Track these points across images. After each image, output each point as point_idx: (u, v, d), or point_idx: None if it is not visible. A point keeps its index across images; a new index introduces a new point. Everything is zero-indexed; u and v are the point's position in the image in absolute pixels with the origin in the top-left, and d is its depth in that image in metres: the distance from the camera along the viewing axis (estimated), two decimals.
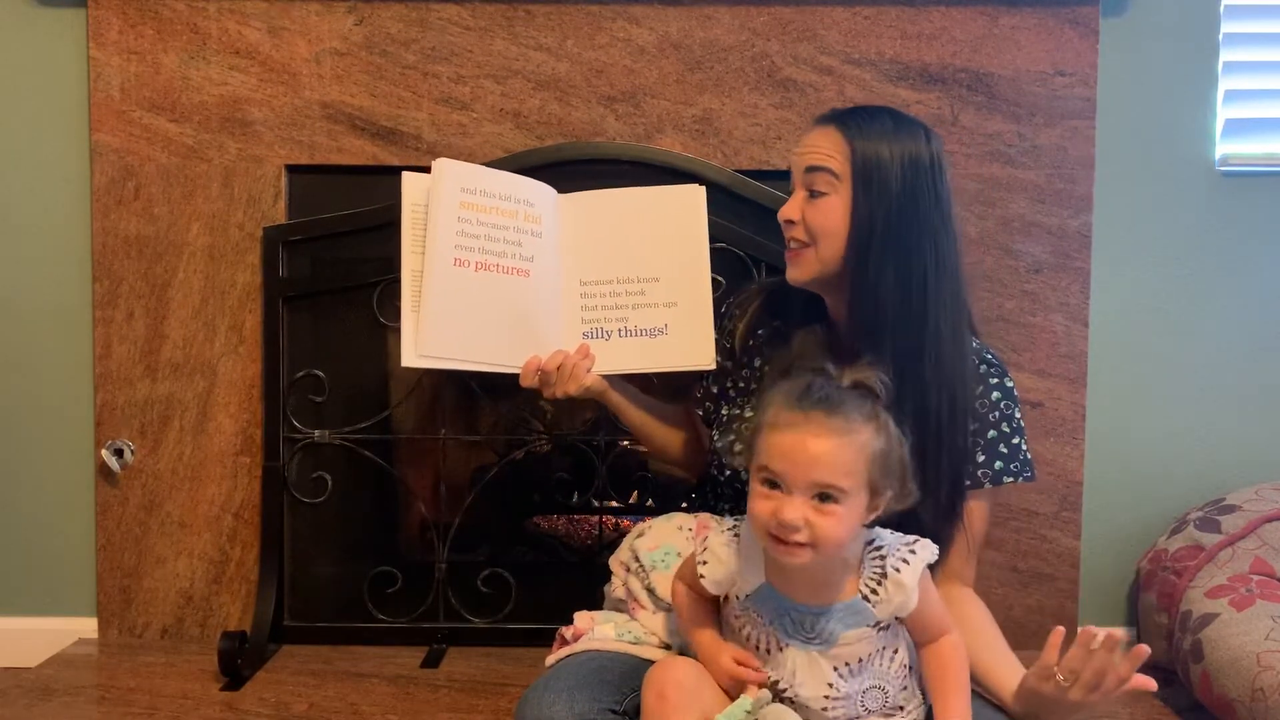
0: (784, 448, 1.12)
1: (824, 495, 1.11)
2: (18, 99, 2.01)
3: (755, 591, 1.21)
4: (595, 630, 1.41)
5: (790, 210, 1.40)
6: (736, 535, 1.23)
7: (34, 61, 1.99)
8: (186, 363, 1.97)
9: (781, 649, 1.20)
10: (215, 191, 1.96)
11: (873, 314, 1.35)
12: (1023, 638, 1.95)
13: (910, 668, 1.25)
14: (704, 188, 1.62)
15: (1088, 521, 2.00)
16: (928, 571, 1.22)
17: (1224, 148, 2.03)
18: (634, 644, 1.39)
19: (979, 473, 1.40)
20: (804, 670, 1.19)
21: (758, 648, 1.22)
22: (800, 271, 1.41)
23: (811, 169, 1.38)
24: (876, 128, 1.37)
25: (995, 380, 1.43)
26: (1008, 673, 1.32)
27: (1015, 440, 1.43)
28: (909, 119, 1.40)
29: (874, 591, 1.18)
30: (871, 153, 1.35)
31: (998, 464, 1.41)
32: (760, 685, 1.20)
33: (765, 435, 1.15)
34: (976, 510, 1.42)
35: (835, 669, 1.19)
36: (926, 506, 1.26)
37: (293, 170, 1.97)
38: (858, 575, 1.19)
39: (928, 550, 1.21)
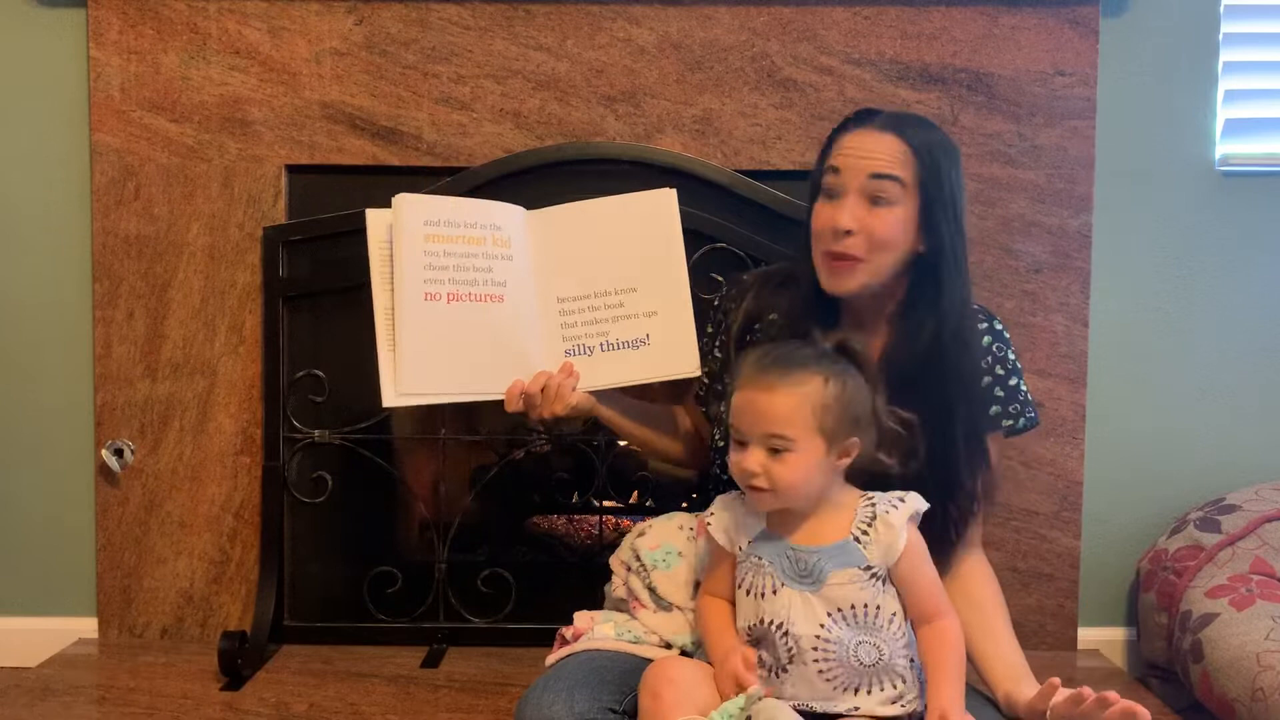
0: (740, 405, 1.25)
1: (775, 446, 1.22)
2: (18, 99, 2.01)
3: (757, 536, 1.27)
4: (595, 630, 1.41)
5: (847, 218, 1.31)
6: (741, 495, 1.32)
7: (34, 61, 1.99)
8: (186, 363, 1.97)
9: (776, 591, 1.24)
10: (215, 191, 1.96)
11: (933, 331, 1.33)
12: (1022, 638, 1.93)
13: (913, 660, 1.25)
14: (674, 190, 1.59)
15: (1088, 521, 2.00)
16: (921, 538, 1.25)
17: (1224, 148, 2.03)
18: (634, 643, 1.39)
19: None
20: (798, 609, 1.22)
21: (759, 595, 1.25)
22: (848, 284, 1.34)
23: (879, 175, 1.31)
24: (927, 134, 1.33)
25: (984, 324, 1.43)
26: (1005, 665, 1.31)
27: (1012, 381, 1.41)
28: (935, 123, 1.38)
29: (864, 533, 1.24)
30: (935, 164, 1.31)
31: (994, 408, 1.39)
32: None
33: (733, 396, 1.28)
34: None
35: (829, 613, 1.22)
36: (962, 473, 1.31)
37: (293, 170, 1.97)
38: (851, 521, 1.26)
39: (916, 499, 1.26)
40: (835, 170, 1.34)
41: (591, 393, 1.54)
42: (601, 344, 1.57)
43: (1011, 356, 1.43)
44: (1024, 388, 1.43)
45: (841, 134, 1.37)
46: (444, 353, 1.50)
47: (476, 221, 1.54)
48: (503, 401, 1.51)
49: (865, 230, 1.31)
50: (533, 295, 1.57)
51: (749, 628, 1.26)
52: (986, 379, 1.40)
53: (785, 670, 1.23)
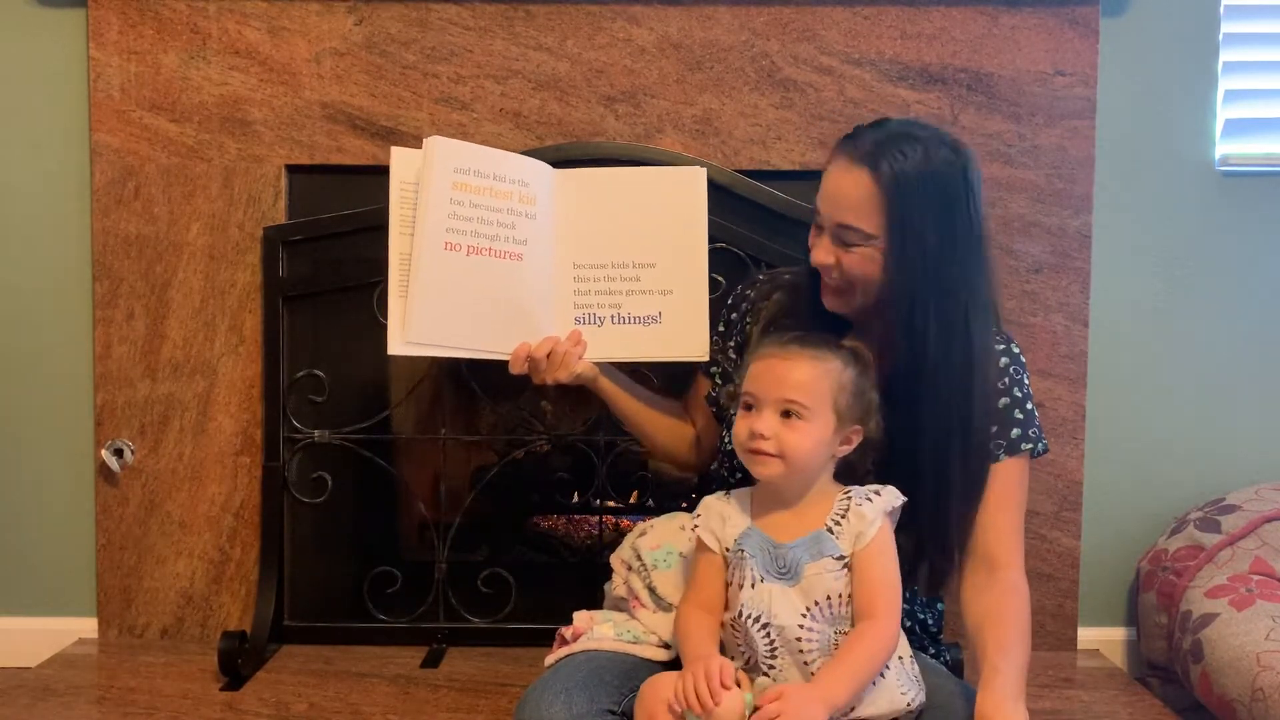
0: (759, 371, 1.28)
1: (788, 411, 1.25)
2: (18, 99, 2.01)
3: (742, 535, 1.29)
4: (594, 630, 1.41)
5: (825, 256, 1.35)
6: (727, 494, 1.34)
7: (34, 61, 1.99)
8: (186, 363, 1.98)
9: (755, 585, 1.25)
10: (215, 191, 1.96)
11: (917, 355, 1.33)
12: None
13: (901, 657, 1.27)
14: (704, 169, 1.59)
15: (1088, 521, 2.00)
16: (891, 535, 1.26)
17: (1224, 148, 2.04)
18: (633, 643, 1.39)
19: (992, 444, 1.38)
20: (779, 602, 1.24)
21: (739, 587, 1.26)
22: (840, 306, 1.39)
23: (844, 226, 1.32)
24: (911, 169, 1.29)
25: (1001, 346, 1.42)
26: (982, 685, 1.25)
27: (1029, 405, 1.41)
28: (941, 142, 1.33)
29: (837, 524, 1.26)
30: (909, 204, 1.29)
31: (1014, 431, 1.38)
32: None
33: (748, 367, 1.31)
34: (1000, 478, 1.37)
35: (807, 607, 1.24)
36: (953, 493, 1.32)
37: (293, 170, 1.97)
38: (827, 514, 1.27)
39: (892, 494, 1.27)
40: (817, 209, 1.38)
41: (595, 364, 1.53)
42: (613, 316, 1.56)
43: (1026, 381, 1.42)
44: (1036, 414, 1.42)
45: (833, 157, 1.37)
46: (456, 305, 1.48)
47: (505, 175, 1.51)
48: (505, 365, 1.51)
49: (840, 267, 1.35)
50: (551, 257, 1.55)
51: (731, 621, 1.27)
52: (1004, 400, 1.40)
53: (771, 666, 1.24)
